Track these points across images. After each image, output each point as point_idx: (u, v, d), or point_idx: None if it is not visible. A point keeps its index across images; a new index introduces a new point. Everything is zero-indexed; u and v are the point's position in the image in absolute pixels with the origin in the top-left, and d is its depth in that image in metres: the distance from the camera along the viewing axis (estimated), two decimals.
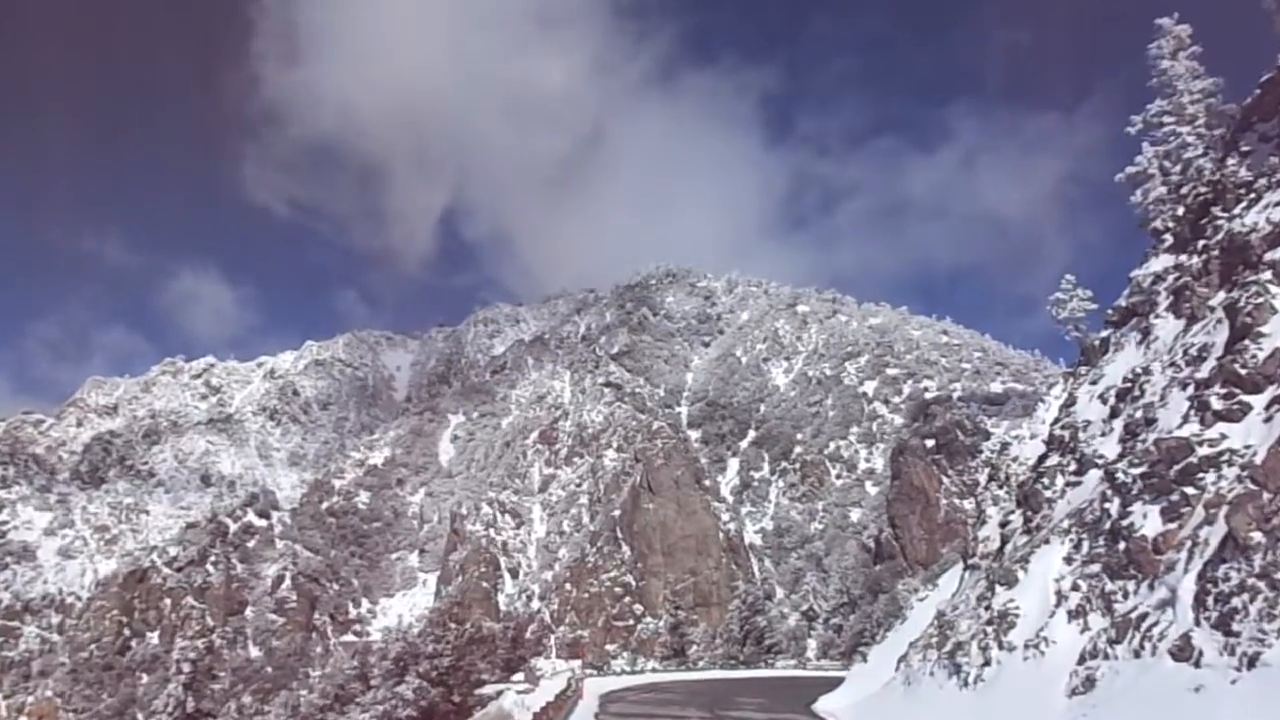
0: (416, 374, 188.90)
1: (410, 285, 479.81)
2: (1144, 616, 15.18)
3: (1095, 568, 17.11)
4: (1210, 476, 16.01)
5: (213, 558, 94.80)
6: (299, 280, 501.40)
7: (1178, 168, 24.93)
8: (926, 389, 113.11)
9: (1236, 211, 20.91)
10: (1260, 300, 17.58)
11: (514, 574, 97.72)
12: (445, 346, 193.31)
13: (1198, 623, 14.03)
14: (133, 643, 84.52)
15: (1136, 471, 17.44)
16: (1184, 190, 24.31)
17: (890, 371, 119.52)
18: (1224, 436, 16.37)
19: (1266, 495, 14.32)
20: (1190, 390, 18.09)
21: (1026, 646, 17.77)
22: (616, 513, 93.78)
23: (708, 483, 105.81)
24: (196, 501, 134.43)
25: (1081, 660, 15.93)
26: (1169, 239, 23.55)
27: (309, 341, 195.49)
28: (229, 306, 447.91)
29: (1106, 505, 18.08)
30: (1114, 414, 20.79)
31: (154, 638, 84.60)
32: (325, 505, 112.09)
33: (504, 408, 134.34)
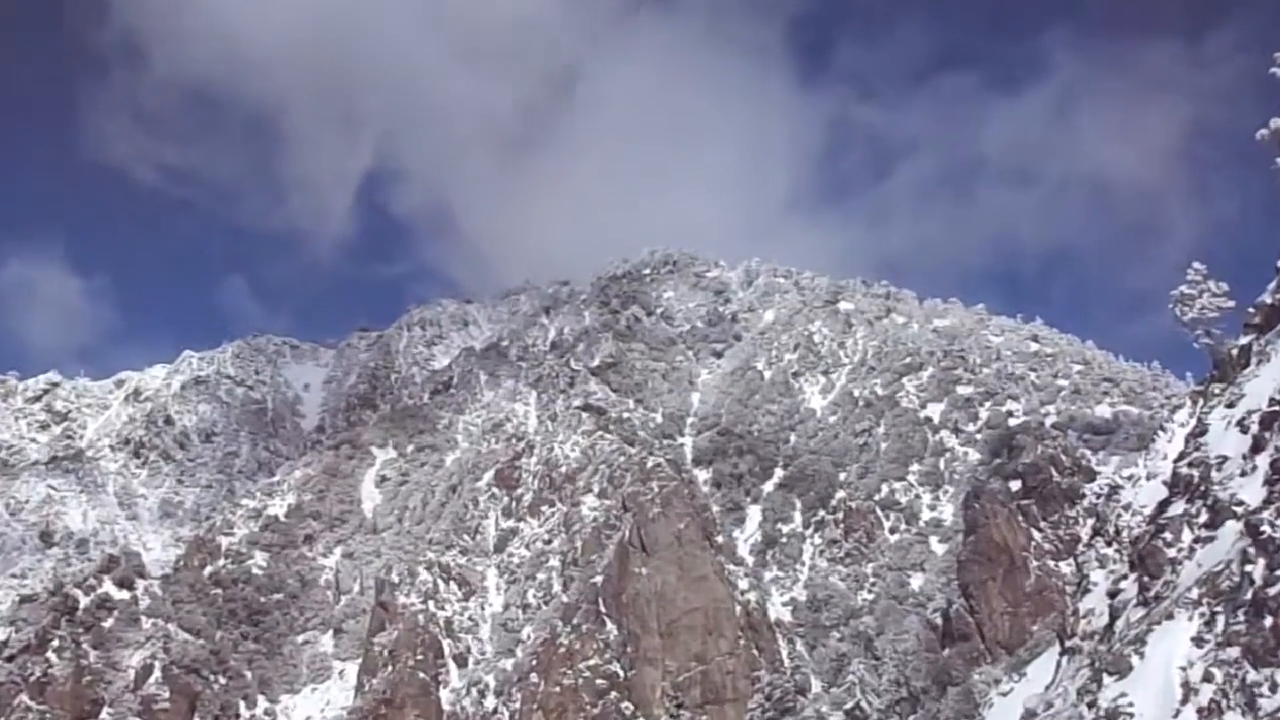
0: (331, 395, 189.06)
1: (321, 276, 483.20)
2: None
3: (1233, 651, 17.34)
4: None
5: (56, 642, 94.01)
6: (171, 270, 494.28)
7: None
8: (1010, 413, 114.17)
9: None
10: None
11: (461, 662, 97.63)
12: (369, 358, 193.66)
13: None
14: None
15: None
16: None
17: (962, 391, 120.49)
18: None
19: None
20: None
21: None
22: (598, 579, 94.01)
23: (720, 539, 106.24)
24: (34, 567, 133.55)
25: None
26: None
27: (186, 352, 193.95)
28: (77, 303, 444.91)
29: (1248, 568, 18.09)
30: (1257, 447, 20.74)
31: None
32: (208, 571, 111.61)
33: (448, 439, 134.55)
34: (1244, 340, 24.65)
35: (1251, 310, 24.82)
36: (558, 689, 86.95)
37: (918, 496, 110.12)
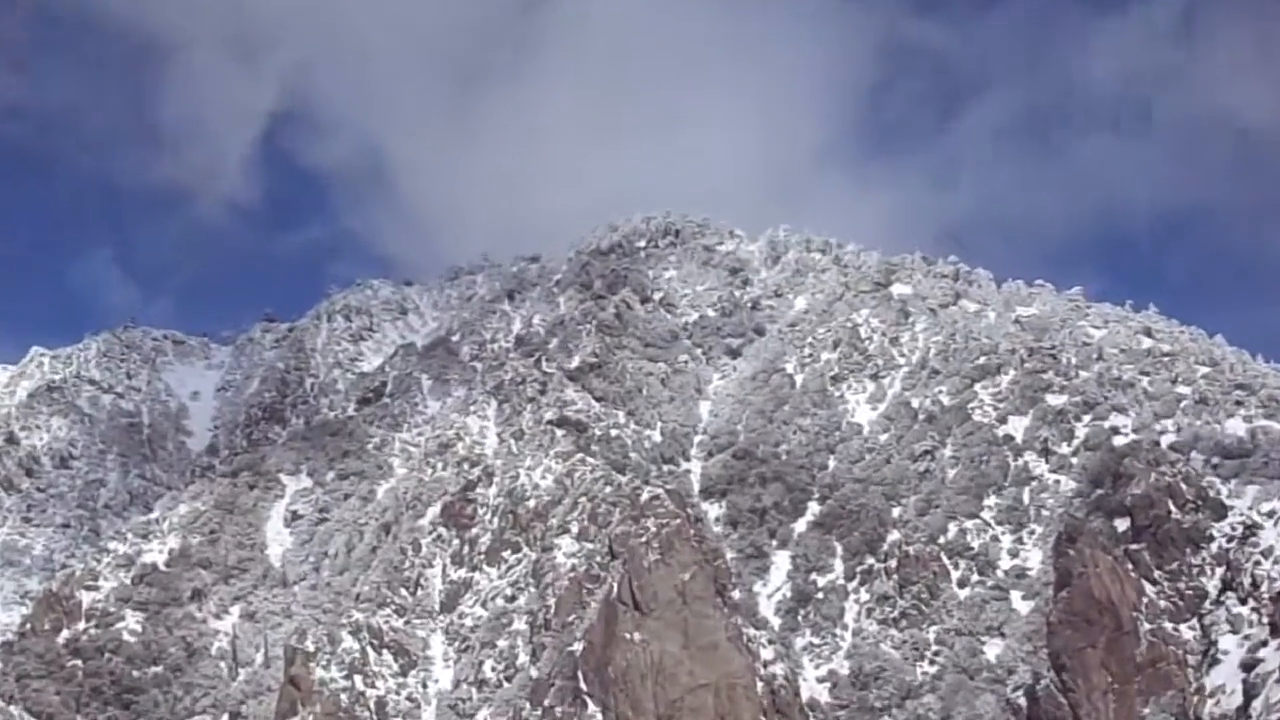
0: (227, 405, 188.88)
1: (213, 250, 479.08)
2: None
3: None
4: None
5: None
6: (14, 241, 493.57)
7: None
8: (1116, 430, 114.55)
9: None
10: None
11: None
12: (277, 357, 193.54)
13: None
14: None
15: None
16: None
17: (1053, 400, 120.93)
18: None
19: None
20: None
21: None
22: (578, 647, 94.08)
23: (737, 594, 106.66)
24: None
25: None
26: None
27: (35, 349, 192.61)
28: None
29: None
30: None
31: None
32: (64, 637, 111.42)
33: (380, 464, 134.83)
34: None
35: None
36: None
37: (995, 539, 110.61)
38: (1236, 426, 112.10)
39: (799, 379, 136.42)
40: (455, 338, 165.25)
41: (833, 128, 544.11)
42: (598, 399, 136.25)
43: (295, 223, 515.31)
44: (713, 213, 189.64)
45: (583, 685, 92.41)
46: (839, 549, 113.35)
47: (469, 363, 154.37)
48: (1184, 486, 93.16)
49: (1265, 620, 70.22)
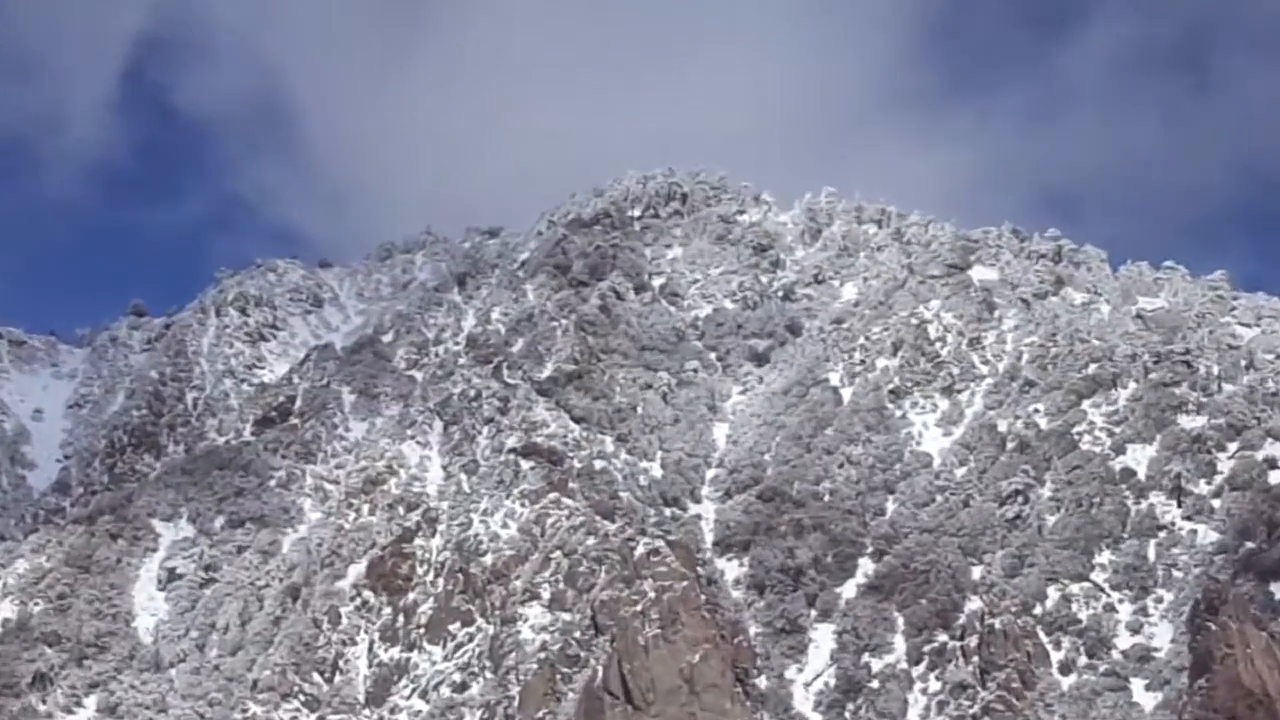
0: (82, 428, 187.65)
1: (61, 221, 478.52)
2: None
3: None
4: None
5: None
6: None
7: None
8: (1274, 463, 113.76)
9: None
10: None
11: None
12: (149, 364, 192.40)
13: None
14: None
15: None
16: None
17: (1187, 423, 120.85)
18: None
19: None
20: None
21: None
22: None
23: (762, 682, 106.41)
24: None
25: None
26: None
27: None
28: None
29: None
30: None
31: None
32: None
33: (286, 507, 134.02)
34: None
35: None
36: None
37: (1110, 609, 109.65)
38: None
39: (847, 393, 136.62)
40: (387, 337, 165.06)
41: (891, 58, 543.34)
42: (577, 420, 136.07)
43: (170, 186, 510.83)
44: (731, 171, 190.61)
45: None
46: (900, 622, 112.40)
47: (405, 371, 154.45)
48: None
49: None
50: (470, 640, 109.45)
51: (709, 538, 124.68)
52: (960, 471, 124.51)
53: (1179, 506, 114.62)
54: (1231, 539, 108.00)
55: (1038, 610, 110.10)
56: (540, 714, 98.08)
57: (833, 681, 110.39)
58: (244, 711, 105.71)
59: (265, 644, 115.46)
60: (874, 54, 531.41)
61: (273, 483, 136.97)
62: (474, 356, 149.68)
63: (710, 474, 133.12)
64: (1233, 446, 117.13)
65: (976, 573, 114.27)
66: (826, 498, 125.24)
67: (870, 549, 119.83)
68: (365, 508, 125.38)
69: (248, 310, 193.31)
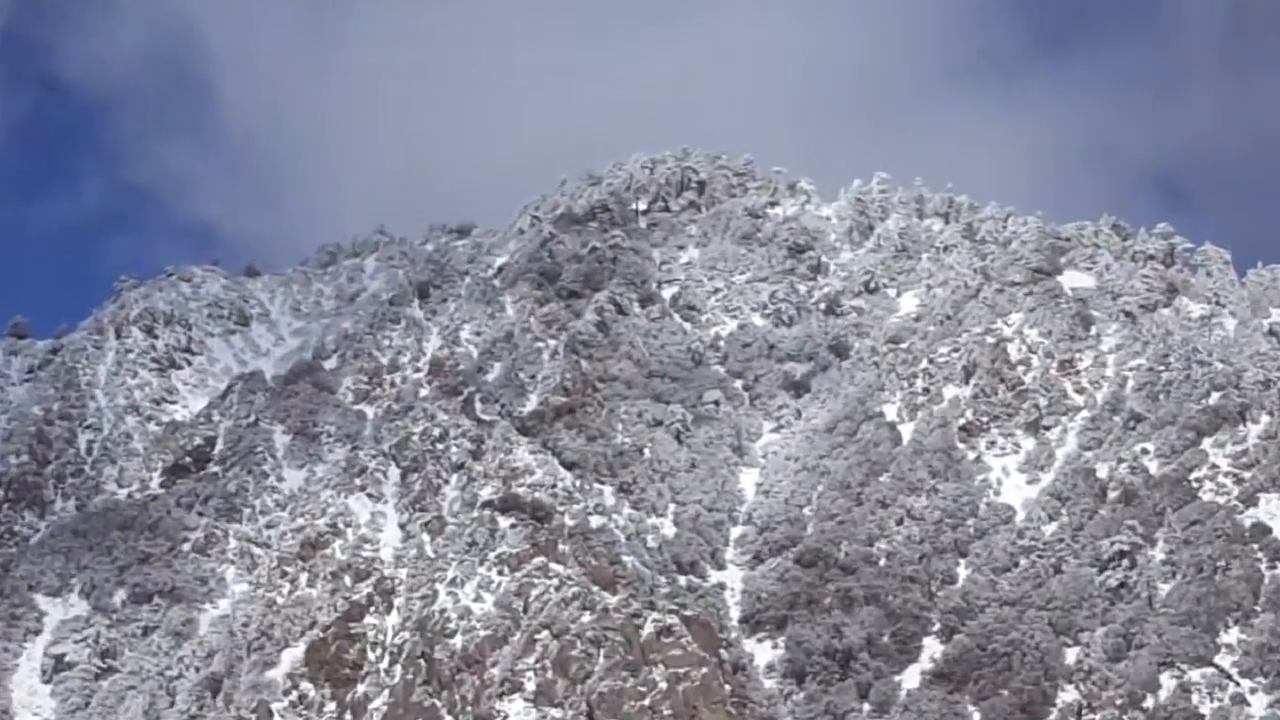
0: None
1: None
2: None
3: None
4: None
5: None
6: None
7: None
8: None
9: None
10: None
11: None
12: (31, 398, 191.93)
13: None
14: None
15: None
16: None
17: None
18: None
19: None
20: None
21: None
22: None
23: None
24: None
25: None
26: None
27: None
28: None
29: None
30: None
31: None
32: None
33: (204, 576, 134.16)
34: None
35: None
36: None
37: (1239, 700, 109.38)
38: None
39: (907, 431, 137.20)
40: (330, 363, 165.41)
41: (959, 11, 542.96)
42: (569, 465, 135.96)
43: (55, 174, 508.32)
44: (760, 154, 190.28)
45: None
46: (976, 718, 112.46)
47: (353, 405, 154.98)
48: None
49: None
50: None
51: (735, 613, 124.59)
52: (1050, 528, 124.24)
53: None
54: None
55: (1149, 703, 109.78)
56: None
57: None
58: None
59: None
60: (936, 6, 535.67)
61: (187, 546, 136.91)
62: (439, 387, 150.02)
63: (736, 532, 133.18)
64: None
65: (1071, 655, 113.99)
66: (882, 562, 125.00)
67: (938, 626, 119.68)
68: (303, 577, 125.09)
69: (155, 330, 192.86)
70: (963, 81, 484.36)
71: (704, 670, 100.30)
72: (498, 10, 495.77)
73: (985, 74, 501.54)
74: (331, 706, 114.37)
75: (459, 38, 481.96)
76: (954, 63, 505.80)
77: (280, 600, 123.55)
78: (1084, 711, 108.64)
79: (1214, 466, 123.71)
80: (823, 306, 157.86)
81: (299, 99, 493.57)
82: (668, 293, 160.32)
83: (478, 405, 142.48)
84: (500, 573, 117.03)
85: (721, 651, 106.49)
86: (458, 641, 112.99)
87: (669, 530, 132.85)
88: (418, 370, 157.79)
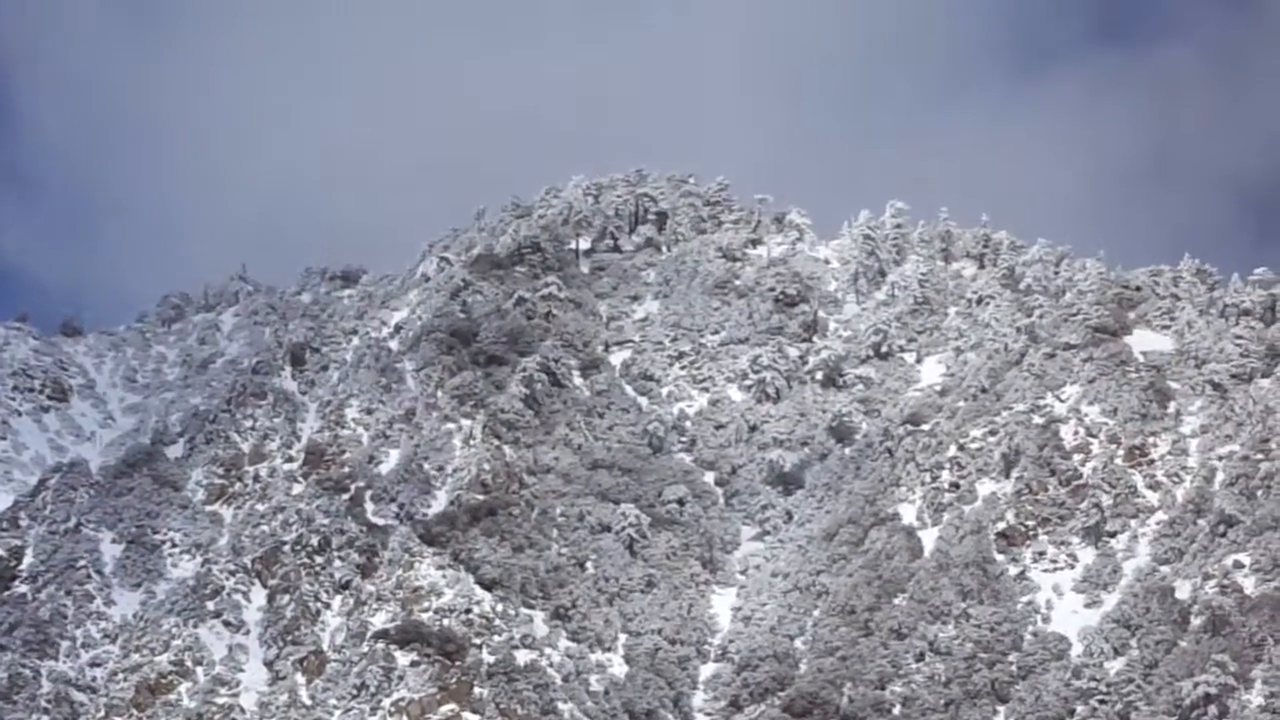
0: None
1: None
2: None
3: None
4: None
5: None
6: None
7: None
8: None
9: None
10: None
11: None
12: None
13: None
14: None
15: None
16: None
17: None
18: None
19: None
20: None
21: None
22: None
23: None
24: None
25: None
26: None
27: None
28: None
29: None
30: None
31: None
32: None
33: None
34: None
35: None
36: None
37: None
38: None
39: (929, 538, 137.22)
40: (175, 450, 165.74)
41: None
42: (489, 585, 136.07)
43: None
44: (737, 174, 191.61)
45: None
46: None
47: (205, 505, 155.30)
48: None
49: None
50: None
51: None
52: (1115, 665, 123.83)
53: None
54: None
55: None
56: None
57: None
58: None
59: None
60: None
61: None
62: (318, 481, 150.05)
63: (706, 671, 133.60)
64: None
65: None
66: (897, 709, 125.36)
67: None
68: None
69: None
70: (996, 76, 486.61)
71: None
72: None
73: (1020, 69, 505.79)
74: None
75: (338, 32, 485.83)
76: (985, 51, 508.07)
77: None
78: None
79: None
80: (820, 376, 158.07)
81: (127, 106, 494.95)
82: (618, 358, 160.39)
83: (369, 506, 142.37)
84: None
85: None
86: None
87: (619, 669, 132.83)
88: (290, 460, 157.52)
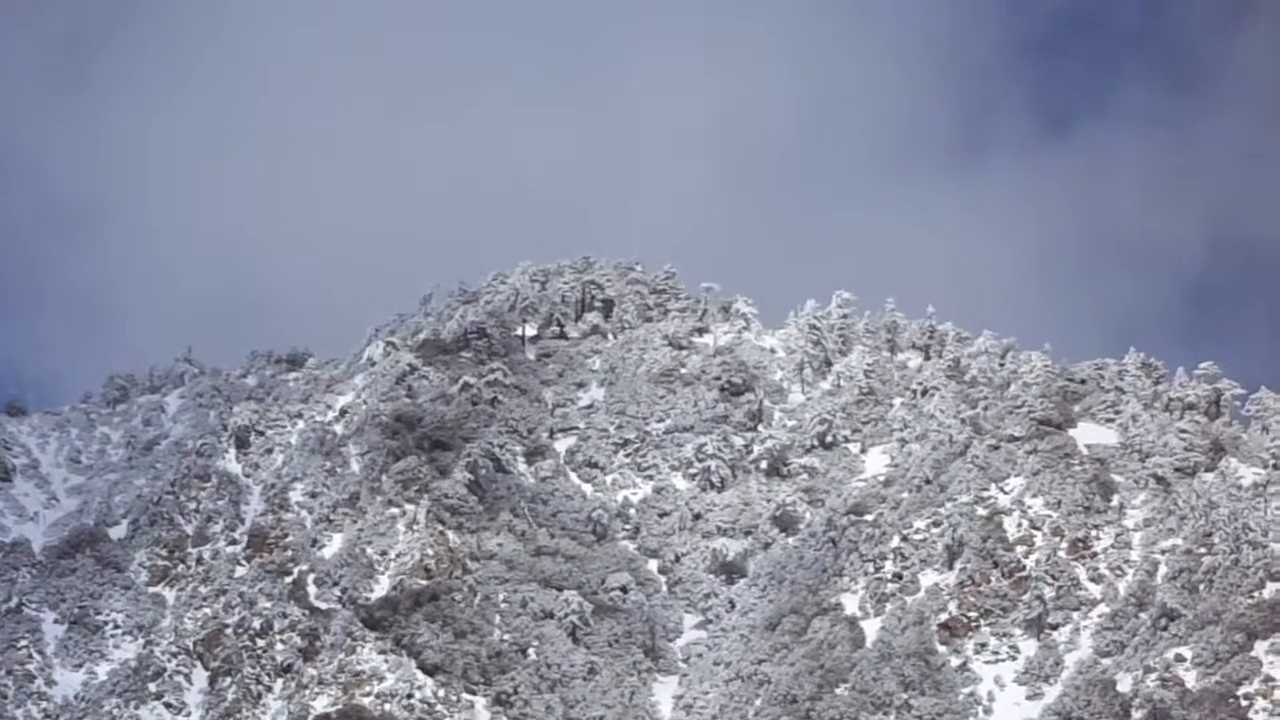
0: None
1: None
2: None
3: None
4: None
5: None
6: None
7: None
8: None
9: None
10: None
11: None
12: None
13: None
14: None
15: None
16: None
17: None
18: None
19: None
20: None
21: None
22: None
23: None
24: None
25: None
26: None
27: None
28: None
29: None
30: None
31: None
32: None
33: None
34: None
35: None
36: None
37: None
38: None
39: (871, 629, 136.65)
40: (118, 531, 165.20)
41: (949, 80, 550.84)
42: (431, 670, 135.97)
43: None
44: (683, 262, 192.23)
45: None
46: None
47: (148, 587, 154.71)
48: None
49: None
50: None
51: None
52: None
53: None
54: None
55: None
56: None
57: None
58: None
59: None
60: (906, 54, 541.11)
61: None
62: (261, 564, 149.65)
63: None
64: None
65: None
66: None
67: None
68: None
69: None
70: (950, 166, 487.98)
71: None
72: (329, 69, 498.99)
73: (981, 155, 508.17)
74: None
75: (282, 95, 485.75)
76: (938, 143, 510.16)
77: None
78: None
79: (1269, 680, 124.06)
80: (764, 465, 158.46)
81: (60, 171, 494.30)
82: (562, 445, 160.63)
83: (311, 589, 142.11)
84: None
85: None
86: None
87: None
88: (233, 543, 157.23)
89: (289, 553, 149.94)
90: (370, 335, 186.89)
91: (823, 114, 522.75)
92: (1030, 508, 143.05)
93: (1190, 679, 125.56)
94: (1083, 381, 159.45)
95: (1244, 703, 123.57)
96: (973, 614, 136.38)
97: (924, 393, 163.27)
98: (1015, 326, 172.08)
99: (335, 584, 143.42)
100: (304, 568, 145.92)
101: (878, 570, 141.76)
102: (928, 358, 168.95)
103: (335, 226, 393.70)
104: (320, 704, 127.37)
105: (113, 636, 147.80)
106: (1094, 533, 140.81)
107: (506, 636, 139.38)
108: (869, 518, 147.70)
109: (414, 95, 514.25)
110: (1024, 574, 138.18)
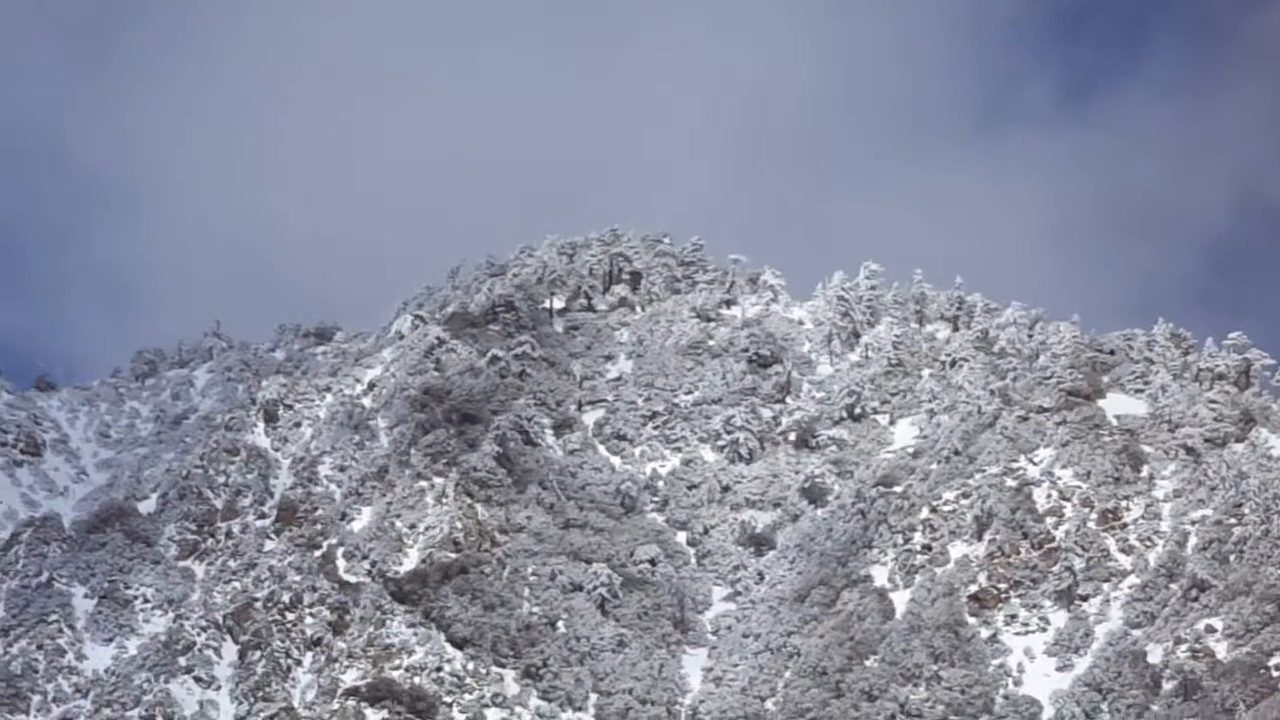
0: None
1: None
2: None
3: None
4: None
5: None
6: None
7: None
8: None
9: None
10: None
11: None
12: None
13: None
14: None
15: None
16: None
17: None
18: None
19: None
20: None
21: None
22: None
23: None
24: None
25: None
26: None
27: None
28: None
29: None
30: None
31: None
32: None
33: None
34: None
35: None
36: None
37: None
38: None
39: (900, 600, 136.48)
40: (148, 505, 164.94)
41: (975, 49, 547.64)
42: (460, 643, 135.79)
43: None
44: (712, 234, 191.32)
45: None
46: None
47: (178, 561, 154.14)
48: None
49: None
50: None
51: None
52: None
53: None
54: None
55: None
56: None
57: None
58: None
59: None
60: (934, 34, 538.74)
61: None
62: (290, 538, 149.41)
63: None
64: None
65: None
66: None
67: None
68: None
69: None
70: (974, 136, 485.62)
71: None
72: (370, 39, 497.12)
73: (1001, 126, 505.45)
74: None
75: (308, 71, 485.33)
76: (963, 113, 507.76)
77: None
78: None
79: None
80: (793, 437, 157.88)
81: (88, 150, 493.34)
82: (590, 418, 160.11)
83: (340, 563, 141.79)
84: None
85: None
86: None
87: None
88: (262, 516, 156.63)
89: (318, 526, 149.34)
90: (398, 309, 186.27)
91: (847, 85, 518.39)
92: (1060, 479, 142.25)
93: (1221, 650, 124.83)
94: (1111, 352, 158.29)
95: (1275, 673, 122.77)
96: (1002, 585, 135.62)
97: (953, 364, 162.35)
98: (1041, 297, 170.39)
99: (364, 557, 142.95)
100: (333, 541, 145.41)
101: (907, 542, 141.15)
102: (956, 329, 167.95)
103: (363, 199, 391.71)
104: (350, 677, 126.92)
105: (142, 611, 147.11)
106: (1124, 504, 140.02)
107: (535, 609, 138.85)
108: (898, 489, 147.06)
109: (442, 69, 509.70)
110: (1054, 545, 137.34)
